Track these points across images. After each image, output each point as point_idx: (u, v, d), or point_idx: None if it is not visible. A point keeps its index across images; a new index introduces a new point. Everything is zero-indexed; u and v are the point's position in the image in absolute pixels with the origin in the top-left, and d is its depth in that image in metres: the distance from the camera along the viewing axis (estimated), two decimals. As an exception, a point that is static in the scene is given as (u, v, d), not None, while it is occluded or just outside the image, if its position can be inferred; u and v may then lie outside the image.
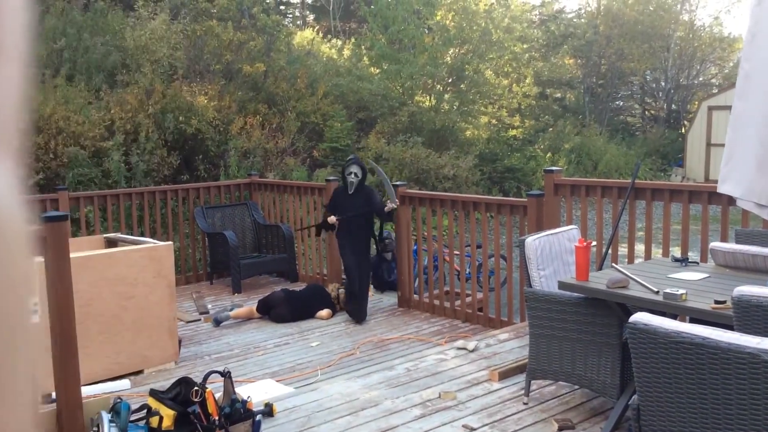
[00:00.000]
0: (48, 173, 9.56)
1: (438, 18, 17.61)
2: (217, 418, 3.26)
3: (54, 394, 3.52)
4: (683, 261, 3.91)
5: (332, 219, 6.07)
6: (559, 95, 24.36)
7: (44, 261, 3.35)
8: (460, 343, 4.99)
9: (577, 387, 4.02)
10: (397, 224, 6.48)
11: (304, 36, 17.71)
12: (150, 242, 5.28)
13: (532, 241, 3.96)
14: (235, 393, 3.43)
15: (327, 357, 5.16)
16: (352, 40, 18.55)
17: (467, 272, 6.30)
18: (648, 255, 4.97)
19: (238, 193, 8.41)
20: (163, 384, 4.29)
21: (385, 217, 6.26)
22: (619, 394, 3.50)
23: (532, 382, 3.98)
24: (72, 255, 3.52)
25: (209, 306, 6.75)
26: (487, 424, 3.64)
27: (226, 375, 3.47)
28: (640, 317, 2.33)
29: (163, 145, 10.77)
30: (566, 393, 4.03)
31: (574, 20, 25.47)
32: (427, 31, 17.31)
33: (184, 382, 3.64)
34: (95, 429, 3.37)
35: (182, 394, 3.58)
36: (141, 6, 12.63)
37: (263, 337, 5.76)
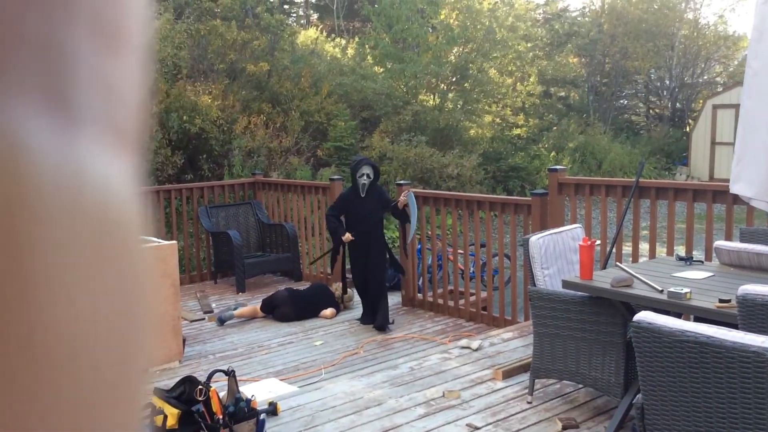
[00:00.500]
0: (52, 173, 9.59)
1: (442, 17, 17.59)
2: (221, 416, 3.26)
3: (58, 393, 3.53)
4: (687, 260, 3.90)
5: (348, 237, 5.76)
6: (563, 94, 24.31)
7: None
8: (464, 342, 4.98)
9: (581, 386, 4.02)
10: (402, 223, 6.47)
11: (308, 35, 17.70)
12: (154, 241, 5.29)
13: (536, 239, 3.95)
14: (239, 392, 3.43)
15: (331, 356, 5.16)
16: (356, 39, 18.55)
17: (471, 271, 6.29)
18: (652, 254, 4.96)
19: (242, 192, 8.42)
20: (168, 383, 4.29)
21: (401, 216, 6.03)
22: (623, 393, 3.49)
23: (536, 381, 3.97)
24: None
25: (213, 305, 6.76)
26: (491, 423, 3.63)
27: (230, 374, 3.47)
28: (644, 316, 2.33)
29: (167, 144, 10.79)
30: (570, 392, 4.03)
31: (578, 19, 25.41)
32: (430, 30, 17.29)
33: (189, 381, 3.65)
34: (99, 428, 3.38)
35: (186, 393, 3.59)
36: (145, 5, 12.63)
37: (267, 336, 5.76)
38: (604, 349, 3.56)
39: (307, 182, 8.49)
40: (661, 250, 5.73)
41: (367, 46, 17.22)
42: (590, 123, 21.97)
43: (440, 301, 6.26)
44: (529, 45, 20.53)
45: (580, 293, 3.60)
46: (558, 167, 5.60)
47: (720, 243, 3.81)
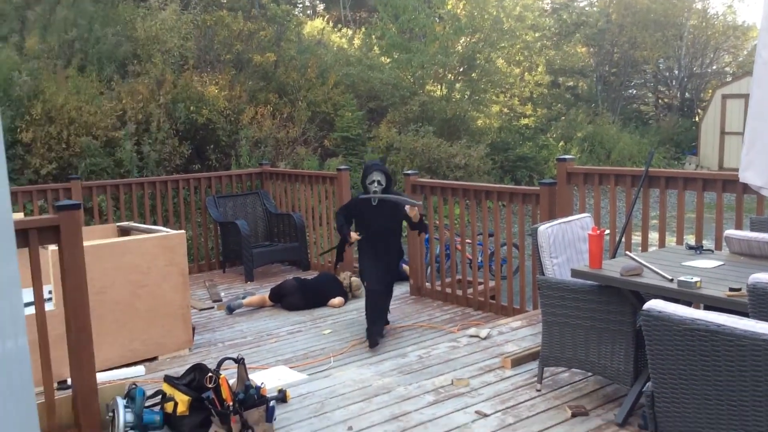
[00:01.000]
0: (61, 163, 9.62)
1: (449, 6, 17.52)
2: (231, 403, 3.28)
3: (70, 381, 3.55)
4: (697, 249, 3.88)
5: (354, 236, 5.31)
6: (571, 84, 24.20)
7: (58, 249, 3.37)
8: (472, 330, 4.99)
9: (590, 374, 4.02)
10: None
11: (315, 25, 17.67)
12: (162, 231, 5.30)
13: (544, 229, 3.94)
14: (248, 379, 3.45)
15: (339, 344, 5.17)
16: (363, 29, 18.50)
17: (479, 260, 6.29)
18: (662, 243, 4.95)
19: (250, 182, 8.43)
20: (178, 370, 4.32)
21: (419, 227, 5.50)
22: (633, 381, 3.49)
23: (545, 369, 3.97)
24: (85, 243, 3.54)
25: (222, 294, 6.78)
26: (500, 411, 3.64)
27: (239, 361, 3.49)
28: (654, 304, 2.32)
29: (175, 134, 10.80)
30: (579, 380, 4.03)
31: (586, 8, 25.26)
32: (437, 20, 17.23)
33: (199, 369, 3.66)
34: (110, 414, 3.40)
35: (196, 380, 3.61)
36: (152, -4, 12.64)
37: (276, 324, 5.78)
38: (614, 338, 3.56)
39: (314, 172, 8.50)
40: (671, 240, 5.71)
41: (373, 36, 17.17)
42: (599, 113, 21.88)
43: (448, 290, 6.26)
44: (537, 35, 20.44)
45: (589, 282, 3.60)
46: (567, 156, 5.57)
47: (730, 232, 3.79)
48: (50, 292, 4.40)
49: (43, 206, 7.08)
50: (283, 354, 5.01)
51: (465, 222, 6.32)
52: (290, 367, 4.62)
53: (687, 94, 25.39)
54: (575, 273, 3.60)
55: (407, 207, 5.15)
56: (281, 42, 13.91)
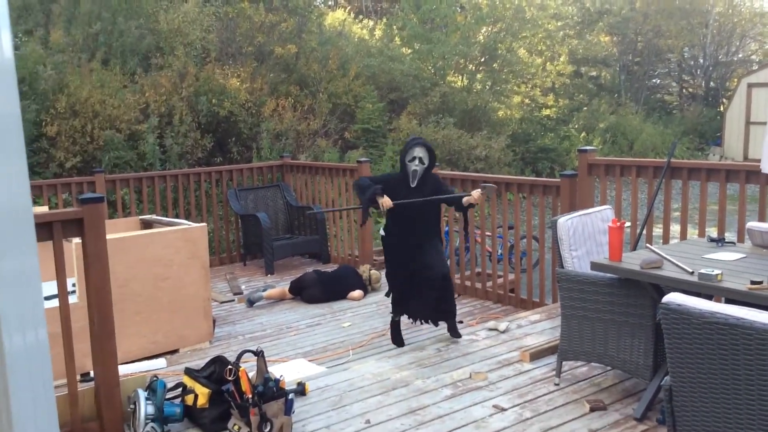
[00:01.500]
0: (85, 156, 9.73)
1: (470, -4, 17.39)
2: (250, 396, 3.31)
3: (92, 373, 3.61)
4: (719, 241, 3.84)
5: (387, 202, 4.47)
6: (594, 73, 23.93)
7: (81, 242, 3.42)
8: (491, 324, 4.98)
9: (609, 368, 4.00)
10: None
11: (336, 17, 17.64)
12: (184, 224, 5.35)
13: (564, 221, 3.92)
14: (268, 372, 3.48)
15: (359, 337, 5.20)
16: (384, 20, 18.43)
17: (499, 253, 6.27)
18: (684, 235, 4.89)
19: (271, 175, 8.47)
20: (198, 363, 4.37)
21: (463, 210, 4.76)
22: (652, 376, 3.46)
23: (564, 363, 3.96)
24: (108, 236, 3.58)
25: (243, 287, 6.84)
26: (517, 405, 3.64)
27: (259, 354, 3.51)
28: (673, 297, 2.30)
29: (197, 127, 10.87)
30: (598, 374, 4.01)
31: (610, -4, 24.92)
32: (459, 10, 17.11)
33: (219, 361, 3.70)
34: (132, 406, 3.45)
35: (216, 373, 3.65)
36: (173, -11, 12.70)
37: (296, 317, 5.82)
38: (633, 331, 3.54)
39: (334, 164, 8.52)
40: (693, 232, 5.64)
41: (394, 27, 17.10)
42: (621, 103, 21.63)
43: (468, 283, 6.25)
44: (559, 24, 20.23)
45: (609, 275, 3.57)
46: (588, 148, 5.53)
47: (752, 224, 3.74)
48: (74, 285, 4.47)
49: (67, 199, 7.18)
50: (303, 347, 5.04)
51: (485, 214, 6.29)
52: (309, 360, 4.65)
53: (712, 83, 24.99)
54: (595, 266, 3.58)
55: (466, 198, 4.55)
56: (302, 34, 13.91)
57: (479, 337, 4.74)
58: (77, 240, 4.00)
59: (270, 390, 3.36)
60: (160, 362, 4.78)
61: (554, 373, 3.97)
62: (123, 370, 4.18)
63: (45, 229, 3.28)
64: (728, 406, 2.20)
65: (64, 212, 3.51)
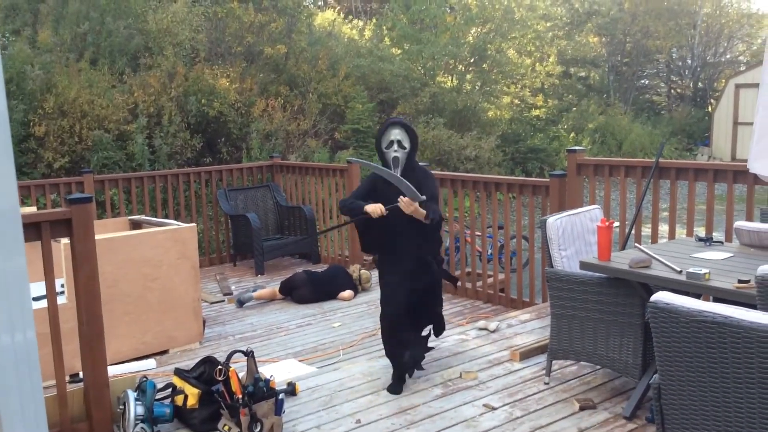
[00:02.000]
0: (73, 156, 9.68)
1: (460, -3, 17.43)
2: (240, 396, 3.30)
3: (81, 374, 3.59)
4: (707, 240, 3.86)
5: (376, 208, 3.72)
6: (583, 74, 24.04)
7: (70, 242, 3.41)
8: (481, 323, 4.99)
9: (598, 367, 4.01)
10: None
11: (325, 17, 17.64)
12: (174, 224, 5.33)
13: (553, 221, 3.94)
14: (258, 372, 3.47)
15: (349, 337, 5.19)
16: (374, 20, 18.46)
17: (489, 253, 6.29)
18: (672, 235, 4.92)
19: (261, 175, 8.45)
20: (188, 363, 4.36)
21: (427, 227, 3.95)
22: (641, 374, 3.48)
23: (554, 362, 3.97)
24: (97, 236, 3.57)
25: (233, 287, 6.82)
26: (508, 404, 3.65)
27: (249, 354, 3.51)
28: (661, 296, 2.32)
29: (186, 127, 10.84)
30: (588, 373, 4.03)
31: (599, -3, 25.05)
32: (448, 11, 17.16)
33: (208, 362, 3.69)
34: (121, 407, 3.44)
35: (206, 374, 3.64)
36: (162, -11, 12.66)
37: (286, 317, 5.81)
38: (622, 330, 3.56)
39: (325, 165, 8.51)
40: (681, 232, 5.68)
41: (384, 27, 17.13)
42: (610, 103, 21.75)
43: (458, 283, 6.26)
44: (548, 24, 20.31)
45: (598, 274, 3.59)
46: (577, 148, 5.55)
47: (740, 223, 3.77)
48: (62, 286, 4.45)
49: (55, 200, 7.14)
50: (293, 347, 5.04)
51: (475, 214, 6.30)
52: (300, 360, 4.65)
53: (700, 83, 25.16)
54: (584, 265, 3.60)
55: (402, 199, 3.65)
56: (292, 34, 13.91)
57: (469, 336, 4.75)
58: (66, 240, 3.98)
59: (260, 390, 3.35)
60: (150, 363, 4.76)
61: (544, 372, 3.99)
62: (112, 370, 4.16)
63: (33, 230, 3.26)
64: (717, 404, 2.21)
65: (53, 212, 3.49)
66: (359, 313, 5.84)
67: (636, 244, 4.25)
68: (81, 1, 11.72)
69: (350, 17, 19.15)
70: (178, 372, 3.71)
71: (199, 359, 3.80)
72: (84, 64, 10.66)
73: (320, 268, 7.03)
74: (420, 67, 16.09)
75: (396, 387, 3.86)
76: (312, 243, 7.65)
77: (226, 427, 3.34)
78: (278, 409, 3.38)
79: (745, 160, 3.82)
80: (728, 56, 25.61)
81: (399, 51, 16.35)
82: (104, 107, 9.99)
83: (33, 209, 6.00)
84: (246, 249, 7.57)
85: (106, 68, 10.87)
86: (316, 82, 13.42)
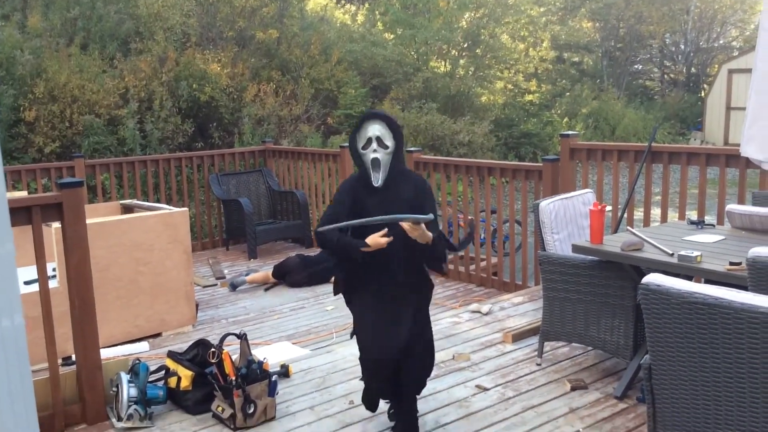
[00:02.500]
0: (64, 141, 9.62)
1: (453, -19, 17.32)
2: (233, 378, 3.31)
3: (74, 357, 3.59)
4: (699, 224, 3.88)
5: (379, 240, 2.84)
6: (576, 59, 24.00)
7: (61, 226, 3.39)
8: (473, 306, 5.01)
9: (590, 348, 4.04)
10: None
11: (318, 2, 17.51)
12: (165, 208, 5.32)
13: (546, 205, 3.95)
14: (251, 354, 3.48)
15: (342, 320, 5.20)
16: (366, 5, 18.34)
17: (482, 237, 6.30)
18: (664, 218, 4.94)
19: (253, 160, 8.43)
20: (181, 346, 4.35)
21: (431, 255, 3.10)
22: (632, 355, 3.51)
23: (546, 343, 4.00)
24: (88, 221, 3.55)
25: (225, 271, 6.82)
26: (500, 384, 3.67)
27: (242, 337, 3.51)
28: (652, 278, 2.33)
29: (178, 112, 10.78)
30: (579, 354, 4.05)
31: (592, -18, 24.96)
32: (441, -5, 17.05)
33: (202, 344, 3.70)
34: (114, 389, 3.44)
35: (200, 356, 3.64)
36: (153, -28, 12.53)
37: (279, 301, 5.81)
38: (614, 312, 3.57)
39: (317, 150, 8.48)
40: (673, 215, 5.70)
41: (377, 12, 17.03)
42: (604, 88, 21.73)
43: (451, 266, 6.28)
44: (541, 9, 20.25)
45: (590, 257, 3.60)
46: (570, 132, 5.55)
47: (732, 207, 3.78)
48: (54, 270, 4.43)
49: (46, 184, 7.10)
50: (286, 330, 5.04)
51: (468, 199, 6.30)
52: (293, 343, 4.66)
53: (693, 69, 25.17)
54: (576, 248, 3.61)
55: (403, 225, 2.80)
56: (284, 18, 13.80)
57: (462, 319, 4.77)
58: (57, 224, 3.96)
59: (253, 372, 3.36)
60: (143, 346, 4.77)
61: (536, 353, 4.01)
62: (105, 353, 4.16)
63: (24, 214, 3.25)
64: (706, 384, 2.23)
65: (43, 197, 3.47)
66: (352, 297, 5.84)
67: (628, 228, 4.26)
68: (71, -15, 11.59)
69: (342, 2, 19.04)
70: (172, 354, 3.71)
71: (192, 342, 3.80)
72: (74, 49, 10.57)
73: (313, 252, 7.03)
74: (413, 52, 16.03)
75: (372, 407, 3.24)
76: (304, 227, 7.64)
77: (220, 408, 3.35)
78: (271, 390, 3.39)
79: (738, 145, 3.83)
80: (721, 41, 25.60)
81: (392, 36, 16.27)
82: (95, 92, 9.92)
83: (24, 194, 5.97)
84: (238, 233, 7.56)
85: (97, 53, 10.78)
86: (309, 67, 13.35)
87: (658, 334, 2.33)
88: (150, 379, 3.55)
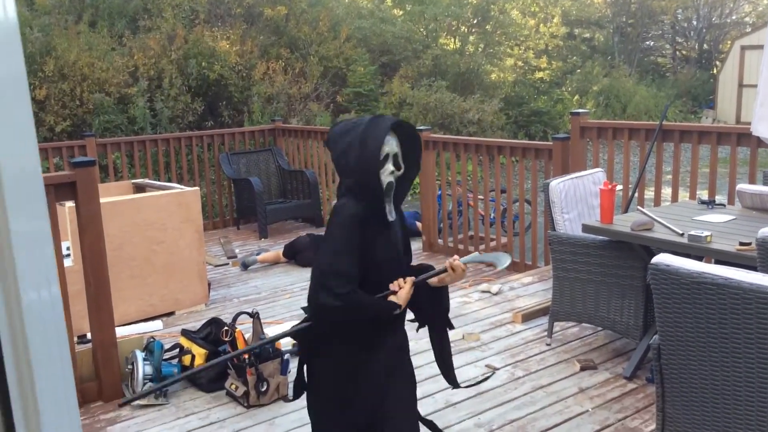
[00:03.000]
0: (75, 120, 9.66)
1: (463, -44, 17.14)
2: (246, 356, 3.36)
3: (89, 335, 3.65)
4: (710, 203, 3.88)
5: (403, 292, 2.17)
6: (587, 35, 23.75)
7: (75, 205, 3.43)
8: (483, 286, 5.04)
9: (600, 329, 4.06)
10: (422, 169, 6.46)
11: (326, -23, 17.38)
12: (177, 187, 5.35)
13: (556, 184, 3.95)
14: (263, 333, 3.52)
15: (352, 299, 5.24)
16: (375, -19, 18.18)
17: (491, 217, 6.31)
18: (675, 198, 4.93)
19: (263, 139, 8.43)
20: (194, 325, 4.41)
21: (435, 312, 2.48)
22: (641, 336, 3.53)
23: (555, 324, 4.02)
24: (102, 200, 3.59)
25: (237, 251, 6.86)
26: (509, 364, 3.70)
27: (254, 316, 3.56)
28: (662, 258, 2.34)
29: (187, 91, 10.78)
30: (589, 334, 4.08)
31: (604, -43, 24.61)
32: (451, -29, 16.88)
33: (215, 323, 3.75)
34: (130, 367, 3.50)
35: (213, 334, 3.69)
36: (161, -51, 12.46)
37: (290, 280, 5.86)
38: (624, 293, 3.59)
39: (326, 128, 8.47)
40: (684, 195, 5.69)
41: (386, -13, 16.89)
42: (615, 65, 21.53)
43: (460, 246, 6.30)
44: (552, -15, 19.99)
45: (600, 237, 3.61)
46: (580, 111, 5.53)
47: (742, 186, 3.78)
48: (68, 248, 4.48)
49: (58, 163, 7.14)
50: (298, 309, 5.09)
51: (477, 178, 6.30)
52: (304, 322, 4.70)
53: (705, 45, 24.87)
54: (586, 228, 3.62)
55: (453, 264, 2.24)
56: (292, -5, 13.73)
57: (472, 299, 4.80)
58: (70, 203, 4.00)
59: (266, 350, 3.41)
60: (157, 324, 4.83)
61: (546, 333, 4.04)
62: (120, 332, 4.22)
63: (39, 193, 3.28)
64: (715, 364, 2.25)
65: (57, 176, 3.50)
66: (362, 276, 5.88)
67: (638, 207, 4.26)
68: (79, -38, 11.55)
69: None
70: (185, 333, 3.77)
71: (205, 320, 3.85)
72: (83, 26, 10.56)
73: (323, 231, 7.05)
74: (422, 29, 15.91)
75: None
76: (315, 206, 7.67)
77: (233, 386, 3.40)
78: (284, 369, 3.44)
79: (750, 123, 3.81)
80: (734, 17, 25.25)
81: (401, 12, 16.15)
82: (104, 70, 9.93)
83: (36, 173, 6.01)
84: (249, 213, 7.60)
85: (105, 30, 10.77)
86: (317, 45, 13.29)
87: (668, 315, 2.35)
88: (164, 357, 3.60)
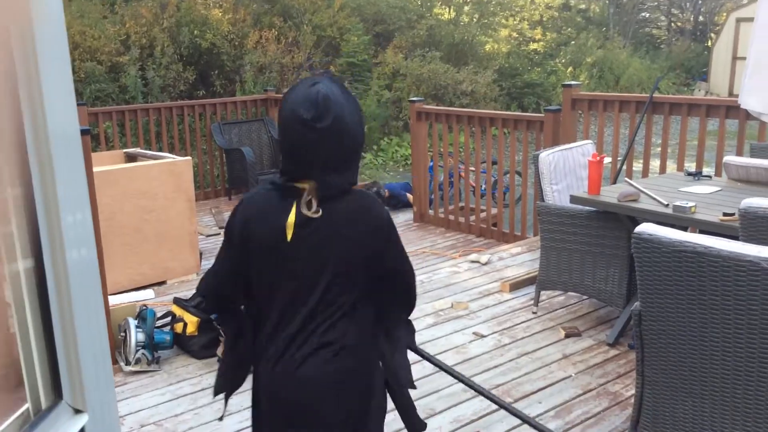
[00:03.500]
0: (66, 89, 9.59)
1: (458, -75, 16.94)
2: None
3: (83, 302, 3.69)
4: (696, 175, 3.92)
5: None
6: (583, 6, 23.60)
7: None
8: (473, 256, 5.10)
9: (585, 297, 4.13)
10: (414, 140, 6.48)
11: (320, -55, 17.16)
12: (169, 157, 5.36)
13: (546, 155, 3.98)
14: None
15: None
16: (369, -51, 17.96)
17: (482, 188, 6.35)
18: (663, 169, 4.98)
19: (255, 109, 8.42)
20: (186, 294, 4.46)
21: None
22: (625, 304, 3.60)
23: (542, 292, 4.09)
24: (94, 169, 3.60)
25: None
26: (496, 332, 3.77)
27: (245, 284, 3.60)
28: (645, 227, 2.38)
29: (179, 59, 10.70)
30: (574, 303, 4.15)
31: (601, -74, 24.35)
32: (446, -61, 16.70)
33: (206, 291, 3.79)
34: (123, 334, 3.55)
35: (204, 303, 3.74)
36: None
37: (281, 250, 5.89)
38: (609, 262, 3.65)
39: (319, 98, 8.43)
40: (673, 167, 5.74)
41: (380, -44, 16.69)
42: (609, 37, 21.43)
43: (451, 217, 6.35)
44: (548, -45, 19.81)
45: (587, 208, 3.66)
46: (572, 83, 5.54)
47: (729, 158, 3.82)
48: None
49: (49, 133, 7.13)
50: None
51: (470, 149, 6.32)
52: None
53: (701, 17, 24.76)
54: (574, 199, 3.66)
55: None
56: (285, -37, 13.57)
57: (461, 269, 4.86)
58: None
59: (257, 318, 3.46)
60: (148, 293, 4.87)
61: (532, 302, 4.11)
62: (112, 300, 4.27)
63: (30, 161, 3.29)
64: (694, 330, 2.31)
65: (49, 144, 3.50)
66: (354, 246, 5.93)
67: (625, 179, 4.31)
68: (68, -72, 11.37)
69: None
70: (177, 301, 3.81)
71: (196, 289, 3.89)
72: (74, -7, 10.44)
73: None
74: (416, -1, 15.79)
75: None
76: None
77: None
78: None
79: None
80: (730, -11, 25.11)
81: (395, -19, 15.98)
82: (96, 38, 9.84)
83: (28, 142, 6.00)
84: (241, 183, 7.61)
85: (97, -2, 10.65)
86: (311, 14, 13.18)
87: (649, 282, 2.40)
88: (157, 325, 3.65)
